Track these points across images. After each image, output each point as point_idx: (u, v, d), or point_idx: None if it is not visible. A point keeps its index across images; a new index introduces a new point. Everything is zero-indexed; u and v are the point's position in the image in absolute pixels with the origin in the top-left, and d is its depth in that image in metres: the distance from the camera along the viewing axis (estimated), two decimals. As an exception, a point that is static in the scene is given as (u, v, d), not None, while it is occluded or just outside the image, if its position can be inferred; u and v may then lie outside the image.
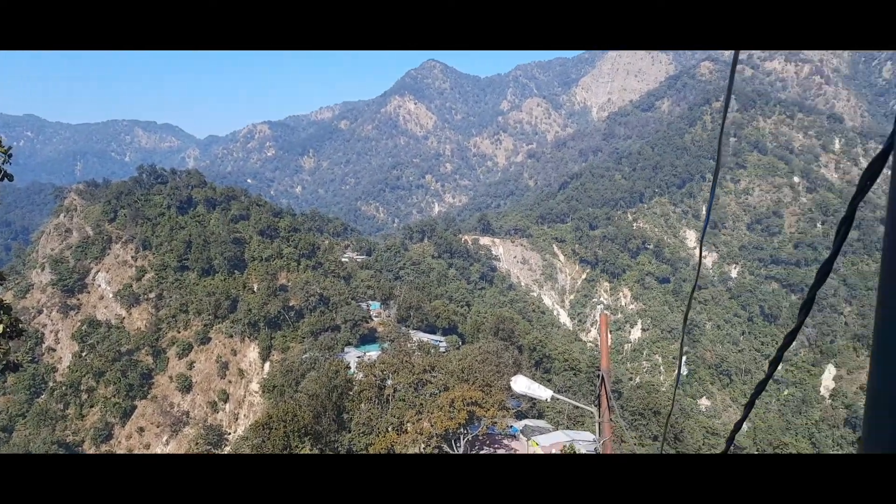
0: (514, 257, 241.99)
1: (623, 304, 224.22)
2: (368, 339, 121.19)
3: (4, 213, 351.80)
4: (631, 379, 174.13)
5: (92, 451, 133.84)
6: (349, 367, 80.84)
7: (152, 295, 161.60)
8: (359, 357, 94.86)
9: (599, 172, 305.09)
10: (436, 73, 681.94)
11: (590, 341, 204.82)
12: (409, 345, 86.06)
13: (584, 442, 60.70)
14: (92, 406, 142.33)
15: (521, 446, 67.22)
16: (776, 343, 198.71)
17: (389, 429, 59.97)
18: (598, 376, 12.80)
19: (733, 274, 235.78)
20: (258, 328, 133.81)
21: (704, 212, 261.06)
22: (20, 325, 15.25)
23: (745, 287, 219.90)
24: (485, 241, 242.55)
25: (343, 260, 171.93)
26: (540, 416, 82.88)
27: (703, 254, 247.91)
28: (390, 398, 66.77)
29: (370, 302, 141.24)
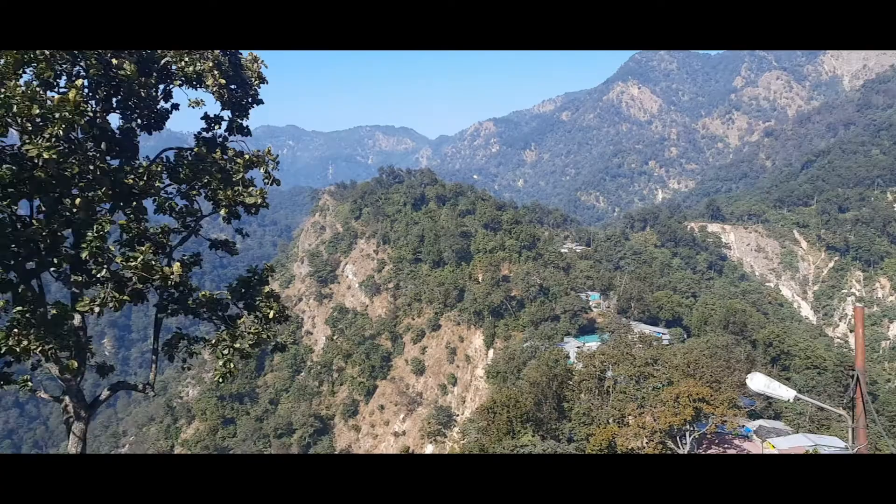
0: (748, 245, 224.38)
1: (880, 295, 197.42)
2: (587, 329, 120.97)
3: (272, 213, 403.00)
4: (889, 381, 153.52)
5: (341, 425, 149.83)
6: (568, 357, 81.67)
7: (391, 285, 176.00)
8: (578, 347, 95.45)
9: (852, 148, 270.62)
10: (661, 55, 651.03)
11: (837, 337, 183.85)
12: (629, 336, 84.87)
13: (830, 448, 55.55)
14: (342, 384, 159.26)
15: (755, 448, 63.43)
16: None
17: (610, 420, 60.01)
18: (852, 376, 11.96)
19: None
20: (483, 317, 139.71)
21: None
22: (286, 312, 18.77)
23: None
24: (713, 228, 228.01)
25: (562, 251, 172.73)
26: (776, 417, 77.20)
27: None
28: (610, 390, 66.65)
29: (589, 292, 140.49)
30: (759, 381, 12.98)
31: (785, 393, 12.83)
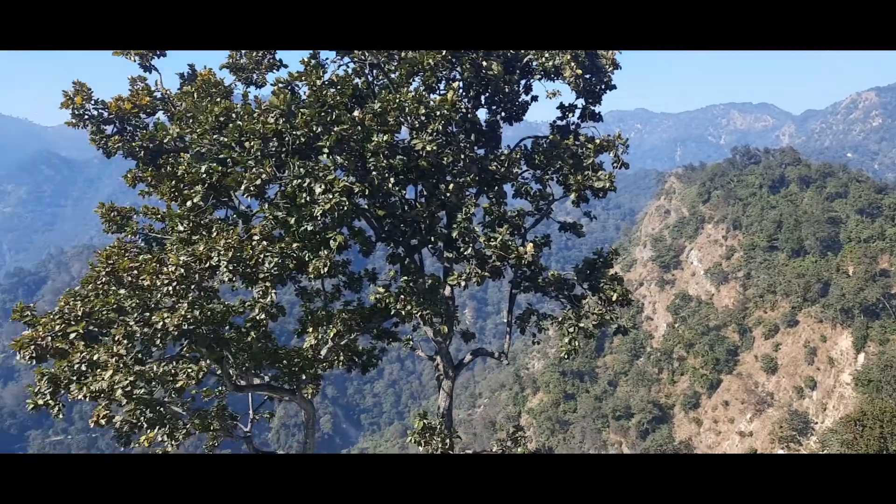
0: None
1: None
2: None
3: (616, 196, 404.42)
4: None
5: (681, 416, 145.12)
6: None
7: (740, 274, 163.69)
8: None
9: None
10: None
11: None
12: None
13: None
14: (682, 374, 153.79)
15: None
16: None
17: None
18: None
19: None
20: (852, 315, 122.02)
21: None
22: (629, 295, 19.07)
23: None
24: None
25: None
26: None
27: None
28: None
29: None
30: None
31: None
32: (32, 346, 12.36)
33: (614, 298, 18.72)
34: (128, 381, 11.53)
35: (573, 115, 19.79)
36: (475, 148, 18.48)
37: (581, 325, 18.18)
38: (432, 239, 17.21)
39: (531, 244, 17.43)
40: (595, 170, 18.98)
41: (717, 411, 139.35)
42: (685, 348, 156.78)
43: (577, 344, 18.38)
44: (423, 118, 15.99)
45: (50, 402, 12.33)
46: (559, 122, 19.95)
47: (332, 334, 16.69)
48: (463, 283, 16.45)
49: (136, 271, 12.32)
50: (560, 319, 18.87)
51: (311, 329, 17.07)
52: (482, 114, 19.15)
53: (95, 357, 11.87)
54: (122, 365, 11.65)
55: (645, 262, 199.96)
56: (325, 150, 14.91)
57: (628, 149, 20.12)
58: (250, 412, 18.29)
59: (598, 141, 19.20)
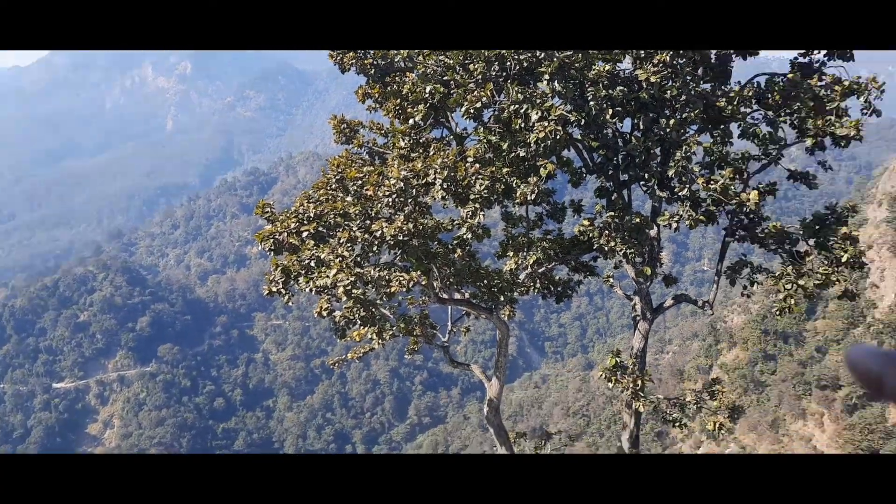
0: None
1: None
2: None
3: (851, 147, 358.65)
4: None
5: None
6: None
7: None
8: None
9: None
10: None
11: None
12: None
13: None
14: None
15: None
16: None
17: None
18: None
19: None
20: None
21: None
22: (862, 258, 17.14)
23: None
24: None
25: None
26: None
27: None
28: None
29: None
30: None
31: None
32: (271, 240, 13.94)
33: (844, 259, 16.92)
34: (349, 281, 12.62)
35: (818, 52, 17.59)
36: (702, 82, 17.18)
37: (801, 282, 16.71)
38: (645, 176, 16.50)
39: (755, 191, 16.15)
40: (839, 115, 16.92)
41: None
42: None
43: (792, 302, 16.99)
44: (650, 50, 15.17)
45: (282, 290, 13.91)
46: (801, 59, 17.86)
47: (531, 261, 16.91)
48: (673, 225, 15.75)
49: (360, 181, 13.27)
50: (777, 275, 17.49)
51: (511, 253, 17.41)
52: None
53: (322, 256, 13.12)
54: (344, 266, 12.75)
55: (878, 222, 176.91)
56: (546, 77, 14.72)
57: (883, 94, 17.66)
58: (448, 324, 19.28)
59: (846, 83, 16.97)
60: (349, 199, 13.58)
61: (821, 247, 17.38)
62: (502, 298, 17.20)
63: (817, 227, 17.58)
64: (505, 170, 15.05)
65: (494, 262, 19.90)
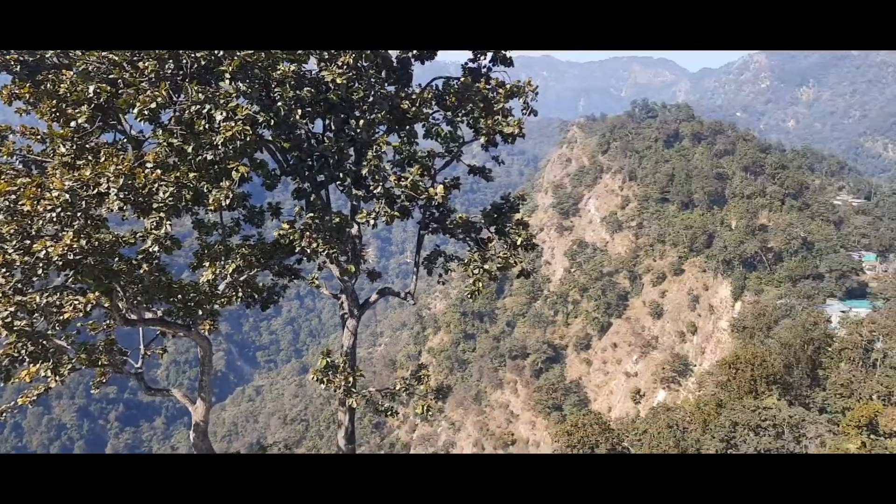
0: None
1: None
2: (857, 293, 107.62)
3: (520, 143, 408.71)
4: None
5: (573, 356, 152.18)
6: (829, 321, 74.01)
7: (634, 223, 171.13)
8: (842, 312, 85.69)
9: None
10: None
11: None
12: (911, 306, 74.15)
13: None
14: (576, 316, 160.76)
15: None
16: None
17: (874, 397, 53.91)
18: None
19: None
20: (732, 266, 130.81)
21: None
22: (533, 240, 19.37)
23: None
24: None
25: (835, 203, 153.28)
26: None
27: None
28: (878, 363, 59.52)
29: (863, 252, 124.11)
30: None
31: None
32: None
33: (519, 242, 18.98)
34: (7, 312, 10.65)
35: (484, 58, 19.55)
36: (386, 84, 17.94)
37: (486, 267, 18.35)
38: (340, 175, 16.74)
39: (441, 186, 17.31)
40: (505, 115, 18.95)
41: (606, 353, 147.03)
42: (580, 292, 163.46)
43: (480, 285, 18.59)
44: (332, 50, 15.32)
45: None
46: (471, 64, 19.66)
47: (231, 269, 16.06)
48: (371, 222, 16.18)
49: (14, 195, 11.25)
50: (466, 261, 18.99)
51: (207, 263, 16.34)
52: (394, 51, 18.60)
53: (-33, 288, 10.89)
54: (0, 295, 10.73)
55: (546, 208, 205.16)
56: (227, 76, 14.02)
57: (537, 96, 20.16)
58: (141, 347, 17.44)
59: (508, 86, 19.14)
60: (0, 216, 11.43)
61: (500, 233, 19.34)
62: (201, 312, 16.10)
63: (495, 215, 19.52)
64: (192, 175, 14.00)
65: (192, 274, 18.58)
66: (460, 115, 18.92)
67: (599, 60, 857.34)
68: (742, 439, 47.25)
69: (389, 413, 18.89)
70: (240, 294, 17.51)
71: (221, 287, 16.63)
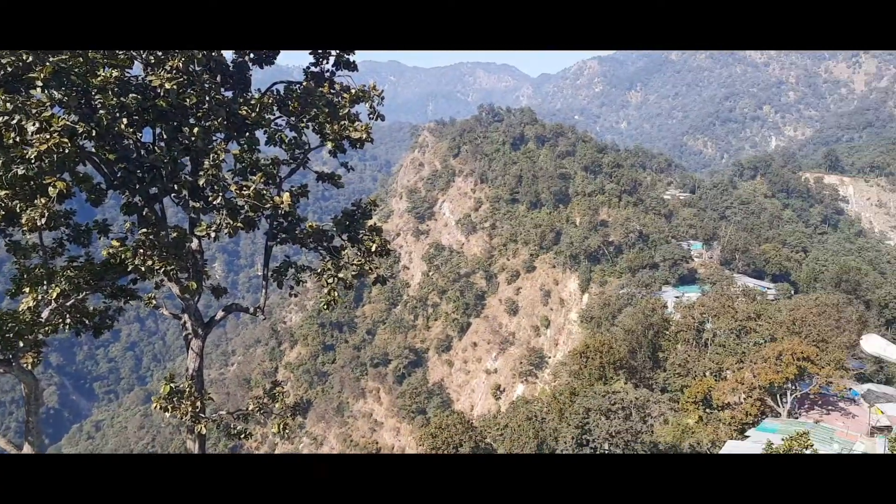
0: (868, 199, 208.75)
1: None
2: (687, 279, 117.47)
3: (372, 148, 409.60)
4: None
5: (435, 359, 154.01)
6: (666, 307, 79.97)
7: (487, 224, 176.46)
8: (676, 297, 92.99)
9: None
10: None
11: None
12: (732, 289, 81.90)
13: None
14: (436, 319, 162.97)
15: (862, 412, 60.44)
16: None
17: (707, 374, 58.85)
18: None
19: None
20: (579, 261, 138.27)
21: None
22: (388, 246, 19.21)
23: None
24: (831, 179, 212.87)
25: (665, 197, 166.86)
26: (888, 383, 72.85)
27: None
28: (709, 343, 65.06)
29: (691, 241, 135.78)
30: (874, 344, 12.83)
31: None
32: None
33: (373, 249, 18.75)
34: None
35: (327, 62, 19.12)
36: (222, 90, 17.04)
37: (340, 275, 17.97)
38: (175, 187, 15.63)
39: (287, 194, 16.71)
40: (351, 120, 18.62)
41: (467, 352, 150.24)
42: (439, 295, 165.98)
43: (336, 295, 18.17)
44: (159, 53, 14.33)
45: None
46: (313, 69, 19.17)
47: (54, 294, 14.56)
48: (213, 235, 15.28)
49: None
50: (319, 271, 18.50)
51: (28, 289, 14.73)
52: (228, 54, 17.71)
53: None
54: None
55: (401, 213, 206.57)
56: (39, 83, 12.69)
57: (383, 100, 20.03)
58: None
59: (353, 91, 18.81)
60: None
61: (353, 240, 19.02)
62: (22, 344, 14.45)
63: (347, 222, 19.16)
64: (2, 192, 12.57)
65: (12, 301, 16.70)
66: (304, 120, 18.37)
67: (445, 66, 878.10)
68: (595, 423, 49.87)
69: (244, 436, 17.99)
70: (67, 320, 15.91)
71: (45, 314, 15.04)
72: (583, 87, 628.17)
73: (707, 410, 55.44)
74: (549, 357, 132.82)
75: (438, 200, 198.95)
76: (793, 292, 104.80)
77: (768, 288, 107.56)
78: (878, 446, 44.12)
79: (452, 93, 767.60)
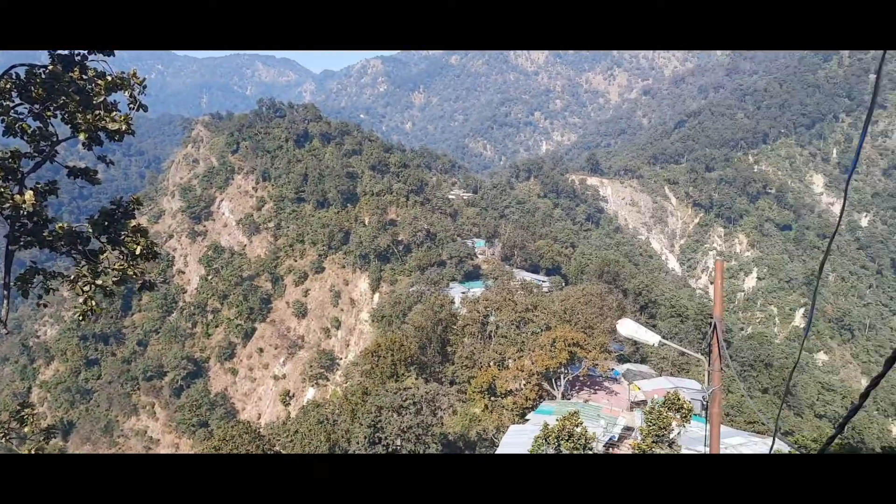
0: (623, 199, 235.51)
1: (738, 250, 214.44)
2: (472, 275, 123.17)
3: (139, 142, 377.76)
4: (742, 329, 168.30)
5: (217, 368, 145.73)
6: (453, 302, 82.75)
7: (271, 224, 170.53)
8: (463, 293, 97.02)
9: (720, 111, 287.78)
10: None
11: (699, 288, 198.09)
12: (512, 283, 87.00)
13: (688, 390, 59.83)
14: (217, 326, 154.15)
15: (622, 389, 67.32)
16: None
17: (491, 364, 61.56)
18: (710, 324, 12.52)
19: (863, 223, 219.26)
20: (369, 260, 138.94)
21: (835, 155, 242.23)
22: (155, 248, 17.11)
23: (876, 237, 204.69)
24: (593, 181, 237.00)
25: (450, 197, 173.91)
26: (643, 361, 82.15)
27: (831, 200, 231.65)
28: (493, 334, 68.28)
29: (475, 239, 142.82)
30: (628, 327, 13.76)
31: (650, 338, 13.64)
32: None
33: (138, 252, 16.49)
34: None
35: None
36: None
37: (98, 282, 15.56)
38: None
39: (30, 191, 14.09)
40: (108, 110, 16.22)
41: (253, 359, 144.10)
42: (219, 300, 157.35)
43: (94, 304, 15.72)
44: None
45: None
46: (61, 52, 16.50)
47: None
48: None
49: None
50: (73, 278, 15.94)
51: None
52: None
53: None
54: None
55: (174, 212, 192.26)
56: None
57: (146, 89, 17.75)
58: None
59: (109, 77, 16.45)
60: None
61: (113, 242, 16.67)
62: None
63: (106, 223, 16.76)
64: None
65: None
66: (52, 108, 15.71)
67: (221, 56, 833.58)
68: (387, 421, 50.06)
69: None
70: None
71: None
72: (367, 86, 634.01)
73: (492, 398, 58.11)
74: (341, 358, 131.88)
75: (216, 199, 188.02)
76: (564, 284, 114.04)
77: (543, 281, 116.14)
78: (637, 419, 49.09)
79: (228, 85, 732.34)
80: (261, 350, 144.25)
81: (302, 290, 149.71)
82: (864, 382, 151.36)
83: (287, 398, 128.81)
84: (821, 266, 5.40)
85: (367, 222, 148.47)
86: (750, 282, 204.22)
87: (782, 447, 40.97)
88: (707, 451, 13.09)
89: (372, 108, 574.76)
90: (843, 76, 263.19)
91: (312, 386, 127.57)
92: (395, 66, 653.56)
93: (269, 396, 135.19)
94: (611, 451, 45.80)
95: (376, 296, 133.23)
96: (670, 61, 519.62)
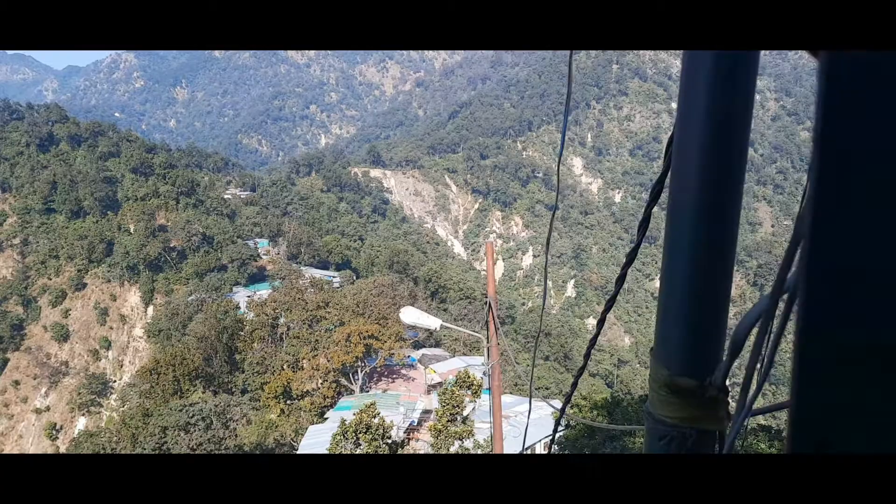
0: (407, 189, 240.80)
1: (515, 231, 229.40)
2: (258, 277, 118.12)
3: None
4: (524, 304, 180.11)
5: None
6: (239, 307, 78.65)
7: (17, 241, 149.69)
8: (248, 296, 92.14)
9: (489, 101, 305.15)
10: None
11: (483, 270, 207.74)
12: (301, 282, 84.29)
13: (476, 366, 62.35)
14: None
15: (419, 375, 68.29)
16: (656, 263, 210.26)
17: (285, 367, 59.18)
18: (485, 303, 13.09)
19: (617, 199, 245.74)
20: (138, 271, 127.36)
21: (590, 139, 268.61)
22: None
23: (628, 211, 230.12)
24: (375, 173, 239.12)
25: (226, 197, 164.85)
26: (437, 345, 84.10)
27: (589, 180, 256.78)
28: (284, 336, 65.73)
29: (257, 239, 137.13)
30: (410, 315, 14.00)
31: (432, 323, 14.09)
32: None
33: None
34: None
35: None
36: None
37: None
38: None
39: None
40: None
41: (8, 393, 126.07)
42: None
43: None
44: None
45: None
46: None
47: None
48: None
49: None
50: None
51: None
52: None
53: None
54: None
55: None
56: None
57: None
58: None
59: None
60: None
61: None
62: None
63: None
64: None
65: None
66: None
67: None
68: (174, 441, 46.03)
69: None
70: None
71: None
72: (121, 82, 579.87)
73: (288, 402, 55.89)
74: (115, 381, 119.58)
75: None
76: (355, 278, 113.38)
77: (334, 276, 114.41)
78: (434, 401, 49.76)
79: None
80: (17, 382, 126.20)
81: (61, 311, 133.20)
82: (628, 340, 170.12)
83: (54, 432, 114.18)
84: (547, 240, 4.73)
85: (132, 230, 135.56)
86: (527, 260, 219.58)
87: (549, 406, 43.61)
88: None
89: (128, 106, 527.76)
90: (591, 66, 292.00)
91: (83, 415, 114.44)
92: (151, 60, 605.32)
93: (32, 433, 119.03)
94: (411, 435, 46.15)
95: (150, 309, 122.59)
96: (439, 54, 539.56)
